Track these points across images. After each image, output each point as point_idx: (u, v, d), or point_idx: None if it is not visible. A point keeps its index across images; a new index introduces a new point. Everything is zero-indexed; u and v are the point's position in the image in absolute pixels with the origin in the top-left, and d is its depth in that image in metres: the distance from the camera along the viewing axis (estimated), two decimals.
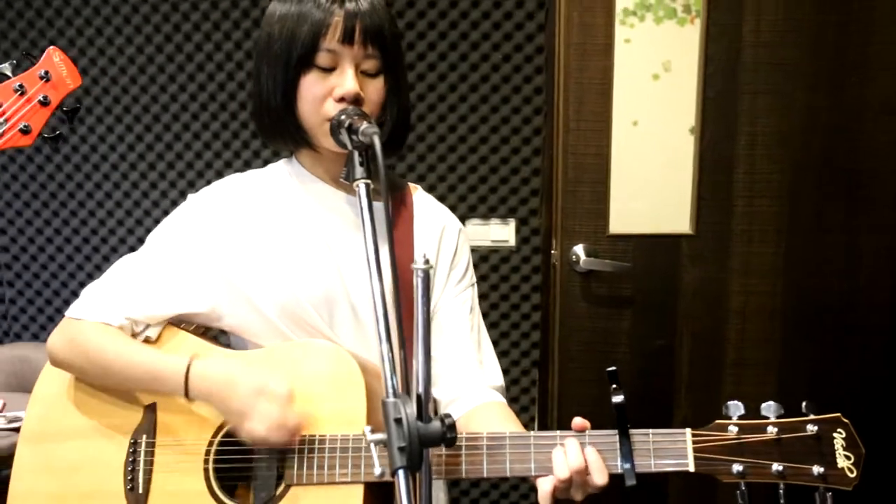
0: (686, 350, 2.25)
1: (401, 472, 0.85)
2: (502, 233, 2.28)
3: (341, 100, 1.17)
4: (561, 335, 2.26)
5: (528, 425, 2.54)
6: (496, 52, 2.18)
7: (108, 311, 1.23)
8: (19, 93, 1.42)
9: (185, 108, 2.31)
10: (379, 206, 1.04)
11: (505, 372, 2.41)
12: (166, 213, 1.31)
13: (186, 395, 1.18)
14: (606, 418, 2.43)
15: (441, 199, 1.41)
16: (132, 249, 1.34)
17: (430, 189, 2.25)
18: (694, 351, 2.25)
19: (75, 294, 2.47)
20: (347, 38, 1.16)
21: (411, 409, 0.89)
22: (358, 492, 1.15)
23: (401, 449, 0.87)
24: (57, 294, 2.53)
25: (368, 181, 1.06)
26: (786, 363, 2.23)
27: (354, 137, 1.08)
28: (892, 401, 2.24)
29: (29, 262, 2.55)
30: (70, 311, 1.27)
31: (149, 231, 1.30)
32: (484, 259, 2.33)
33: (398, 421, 0.88)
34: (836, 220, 2.17)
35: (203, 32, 2.27)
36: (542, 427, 2.36)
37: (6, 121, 1.41)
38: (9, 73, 1.44)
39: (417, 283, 0.96)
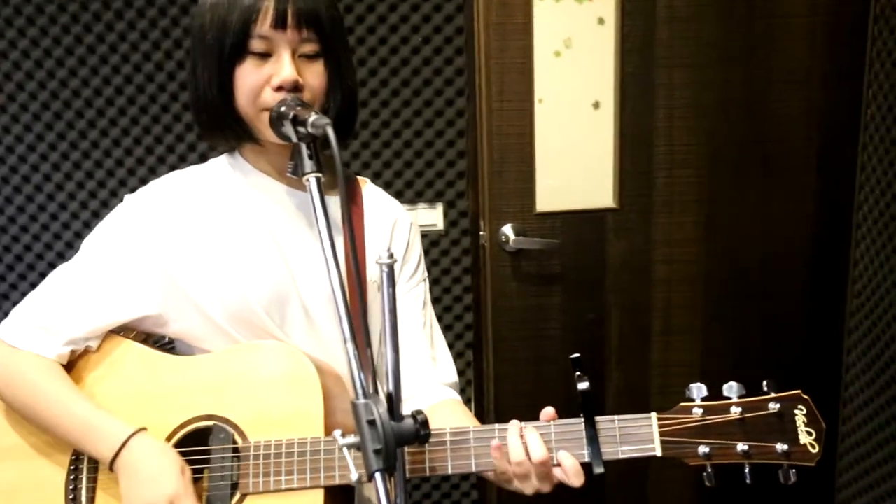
0: (615, 321, 2.30)
1: (378, 475, 0.83)
2: (430, 217, 2.26)
3: (279, 88, 1.12)
4: (493, 315, 2.28)
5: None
6: (416, 34, 2.15)
7: (46, 340, 1.16)
8: None
9: (110, 103, 2.16)
10: (330, 199, 1.00)
11: None
12: (96, 214, 1.24)
13: (112, 462, 1.12)
14: (542, 395, 2.48)
15: None
16: (60, 256, 1.25)
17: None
18: (623, 322, 2.31)
19: None
20: (280, 23, 1.11)
21: (384, 409, 0.88)
22: (317, 497, 1.12)
23: (376, 451, 0.85)
24: None
25: (320, 175, 1.01)
26: (710, 328, 2.32)
27: (302, 129, 1.03)
28: (807, 359, 2.36)
29: None
30: (4, 333, 1.18)
31: (77, 235, 1.23)
32: None
33: (371, 423, 0.86)
34: (751, 187, 2.25)
35: (127, 21, 2.13)
36: (479, 408, 2.38)
37: None
38: None
39: (382, 277, 0.93)
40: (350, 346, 0.89)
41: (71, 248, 1.21)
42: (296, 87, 1.12)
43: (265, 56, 1.13)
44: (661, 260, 2.27)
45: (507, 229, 2.21)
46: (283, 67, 1.12)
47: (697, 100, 2.18)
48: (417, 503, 2.53)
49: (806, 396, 1.09)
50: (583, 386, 1.09)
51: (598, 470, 1.08)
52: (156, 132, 2.19)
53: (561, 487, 1.10)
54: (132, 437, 1.12)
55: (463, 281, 2.32)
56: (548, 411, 1.12)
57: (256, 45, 1.12)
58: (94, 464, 1.17)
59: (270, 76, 1.12)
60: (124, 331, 1.23)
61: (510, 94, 2.15)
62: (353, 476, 0.86)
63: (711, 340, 2.32)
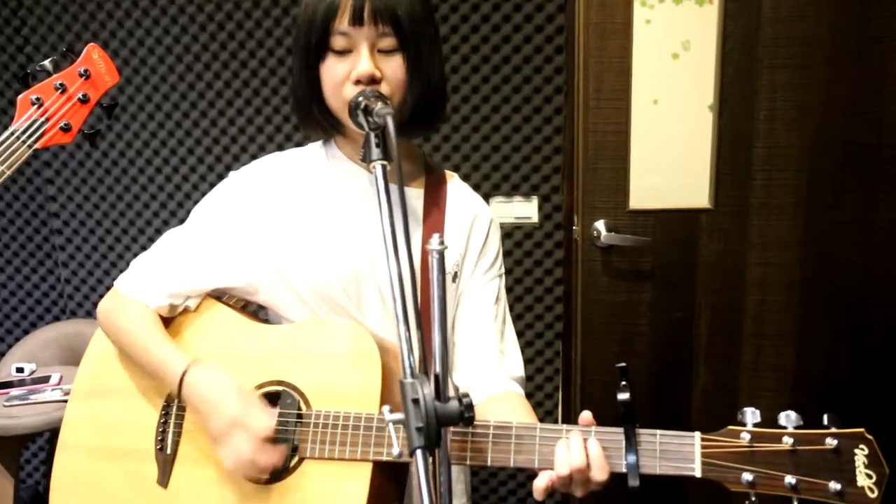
0: (705, 322, 2.30)
1: (418, 452, 0.87)
2: (525, 210, 2.33)
3: (358, 82, 1.19)
4: (583, 308, 2.33)
5: (552, 395, 2.62)
6: (517, 34, 2.22)
7: (150, 290, 1.32)
8: (60, 90, 1.48)
9: (219, 95, 2.38)
10: (411, 191, 1.05)
11: (529, 344, 2.50)
12: (206, 194, 1.39)
13: (179, 397, 1.26)
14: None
15: (465, 178, 1.45)
16: (181, 222, 1.43)
17: (454, 168, 2.32)
18: (713, 322, 2.30)
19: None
20: (357, 19, 1.18)
21: (429, 389, 0.91)
22: (366, 470, 1.18)
23: (418, 429, 0.88)
24: (107, 273, 2.66)
25: (385, 162, 1.05)
26: (804, 334, 2.27)
27: (370, 119, 1.09)
28: None
29: (81, 243, 2.68)
30: (119, 282, 1.36)
31: (190, 212, 1.39)
32: (508, 236, 2.39)
33: (416, 401, 0.90)
34: (853, 193, 2.19)
35: (235, 21, 2.33)
36: (566, 396, 2.44)
37: (48, 119, 1.45)
38: (50, 70, 1.51)
39: (432, 263, 0.98)
40: (402, 326, 0.94)
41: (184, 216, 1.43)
42: (373, 80, 1.19)
43: (346, 52, 1.21)
44: (756, 263, 2.25)
45: (600, 225, 2.25)
46: (361, 62, 1.19)
47: (801, 101, 2.14)
48: (517, 487, 2.63)
49: (870, 437, 1.00)
50: (623, 396, 1.07)
51: (633, 483, 1.05)
52: (258, 123, 2.40)
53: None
54: (186, 372, 1.24)
55: (554, 273, 2.39)
56: (585, 417, 1.12)
57: (337, 41, 1.20)
58: (182, 410, 1.31)
59: (351, 71, 1.20)
60: (226, 296, 1.38)
61: (607, 92, 2.18)
62: (395, 451, 0.93)
63: (805, 346, 2.27)
